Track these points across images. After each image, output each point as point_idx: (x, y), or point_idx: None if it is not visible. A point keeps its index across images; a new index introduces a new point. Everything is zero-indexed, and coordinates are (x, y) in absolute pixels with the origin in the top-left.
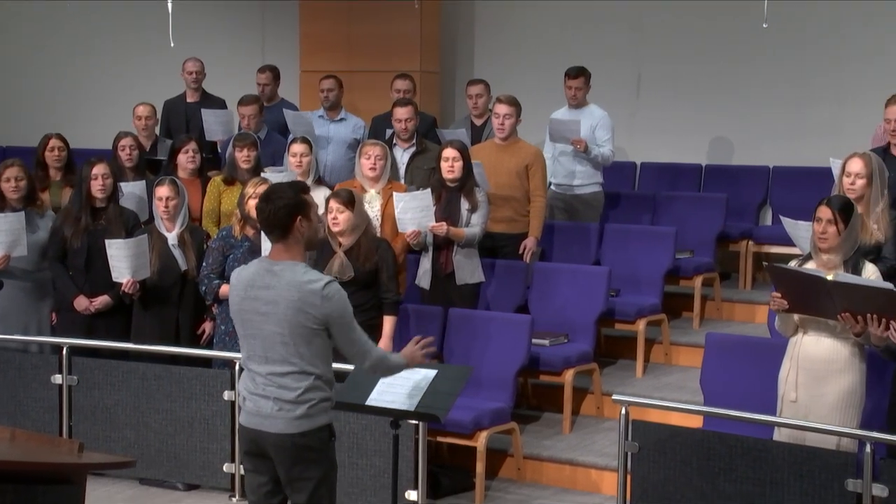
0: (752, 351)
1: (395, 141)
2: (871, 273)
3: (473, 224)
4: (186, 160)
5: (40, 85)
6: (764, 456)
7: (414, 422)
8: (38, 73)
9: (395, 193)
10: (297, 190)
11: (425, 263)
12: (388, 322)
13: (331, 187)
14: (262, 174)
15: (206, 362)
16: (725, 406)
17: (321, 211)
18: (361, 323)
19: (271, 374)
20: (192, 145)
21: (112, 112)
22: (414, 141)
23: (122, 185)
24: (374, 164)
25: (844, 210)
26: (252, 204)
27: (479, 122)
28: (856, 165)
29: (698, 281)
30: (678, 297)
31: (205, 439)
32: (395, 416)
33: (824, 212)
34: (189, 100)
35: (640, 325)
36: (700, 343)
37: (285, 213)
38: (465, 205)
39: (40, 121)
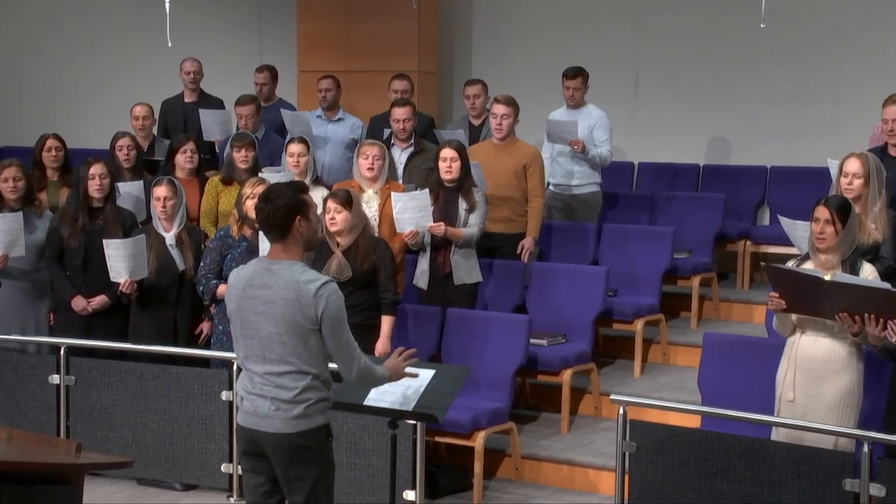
0: (750, 351)
1: (393, 141)
2: (868, 273)
3: (471, 224)
4: (184, 160)
5: (38, 85)
6: (762, 456)
7: (412, 422)
8: (36, 73)
9: (393, 193)
10: (296, 190)
11: (423, 263)
12: (387, 322)
13: (329, 187)
14: (260, 174)
15: (204, 362)
16: (723, 406)
17: (319, 211)
18: (360, 323)
19: (269, 374)
20: (190, 145)
21: (110, 112)
22: (412, 141)
23: (119, 185)
24: (372, 164)
25: (842, 210)
26: (250, 204)
27: (476, 123)
28: (853, 165)
29: (696, 281)
30: (676, 297)
31: (202, 439)
32: (393, 416)
33: (822, 212)
34: (187, 100)
35: (638, 325)
36: (698, 343)
37: (284, 213)
38: (462, 205)
39: (38, 121)
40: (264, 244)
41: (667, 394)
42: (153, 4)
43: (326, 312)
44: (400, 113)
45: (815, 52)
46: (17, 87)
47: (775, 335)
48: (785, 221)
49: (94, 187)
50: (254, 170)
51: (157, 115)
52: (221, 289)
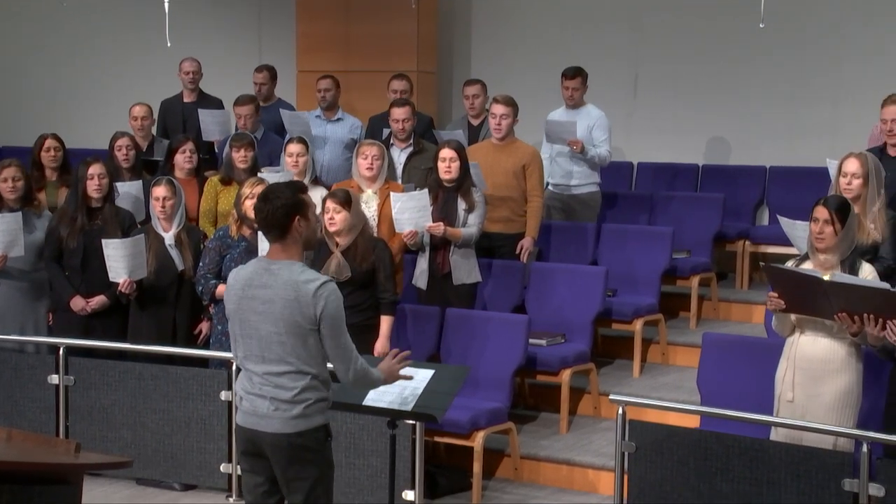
0: (749, 351)
1: (392, 141)
2: (867, 273)
3: (470, 224)
4: (183, 160)
5: (37, 85)
6: (761, 456)
7: (411, 422)
8: (35, 73)
9: (392, 194)
10: (295, 190)
11: (422, 263)
12: (386, 322)
13: (328, 187)
14: (259, 174)
15: (203, 362)
16: (722, 406)
17: (318, 211)
18: (359, 323)
19: (268, 374)
20: (189, 145)
21: (109, 112)
22: (411, 141)
23: (118, 185)
24: (371, 164)
25: (841, 210)
26: (249, 204)
27: (475, 123)
28: (852, 165)
29: (695, 281)
30: (675, 297)
31: (201, 439)
32: (393, 416)
33: (821, 212)
34: (186, 100)
35: (637, 325)
36: (697, 343)
37: (283, 212)
38: (461, 205)
39: (37, 121)
40: (263, 244)
41: (666, 394)
42: (152, 4)
43: (325, 312)
44: (399, 113)
45: (813, 52)
46: (17, 87)
47: (774, 335)
48: (784, 221)
49: (93, 187)
50: (253, 170)
51: (156, 116)
52: (220, 289)
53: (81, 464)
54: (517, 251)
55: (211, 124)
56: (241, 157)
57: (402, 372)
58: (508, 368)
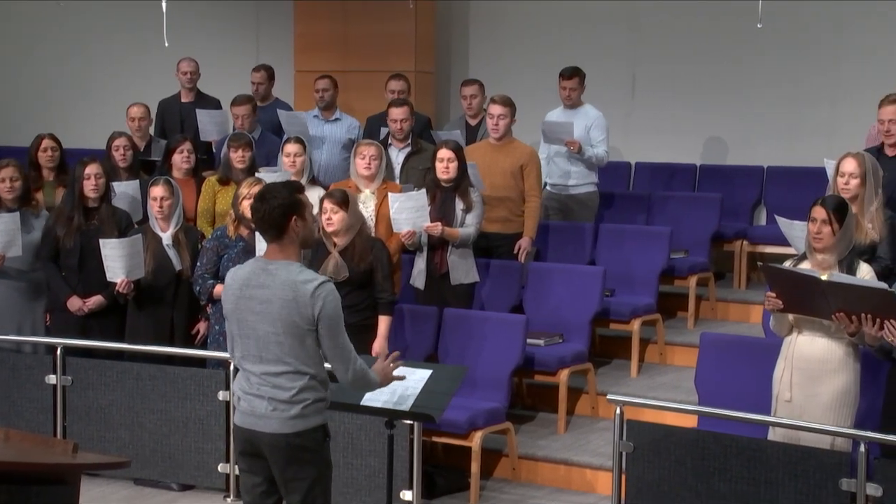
0: (747, 351)
1: (390, 141)
2: (865, 273)
3: (468, 224)
4: (181, 160)
5: (35, 85)
6: (758, 455)
7: (409, 422)
8: (32, 72)
9: (390, 194)
10: (292, 190)
11: (420, 263)
12: (384, 322)
13: (325, 187)
14: (257, 174)
15: (201, 362)
16: (720, 406)
17: (315, 211)
18: (357, 323)
19: (266, 374)
20: (187, 145)
21: (107, 112)
22: (409, 141)
23: (115, 184)
24: (369, 164)
25: (839, 210)
26: (246, 204)
27: (473, 123)
28: (849, 165)
29: (693, 281)
30: (673, 297)
31: (199, 439)
32: (390, 416)
33: (819, 212)
34: (184, 100)
35: (635, 325)
36: (695, 343)
37: (280, 212)
38: (459, 205)
39: (35, 121)
40: (261, 244)
41: (663, 394)
42: (150, 4)
43: (323, 313)
44: (397, 113)
45: (811, 52)
46: (14, 87)
47: (772, 335)
48: (782, 221)
49: (90, 187)
50: (251, 170)
51: (153, 116)
52: (218, 289)
53: (79, 464)
54: (515, 251)
55: (209, 124)
56: (238, 158)
57: (395, 373)
58: (506, 368)
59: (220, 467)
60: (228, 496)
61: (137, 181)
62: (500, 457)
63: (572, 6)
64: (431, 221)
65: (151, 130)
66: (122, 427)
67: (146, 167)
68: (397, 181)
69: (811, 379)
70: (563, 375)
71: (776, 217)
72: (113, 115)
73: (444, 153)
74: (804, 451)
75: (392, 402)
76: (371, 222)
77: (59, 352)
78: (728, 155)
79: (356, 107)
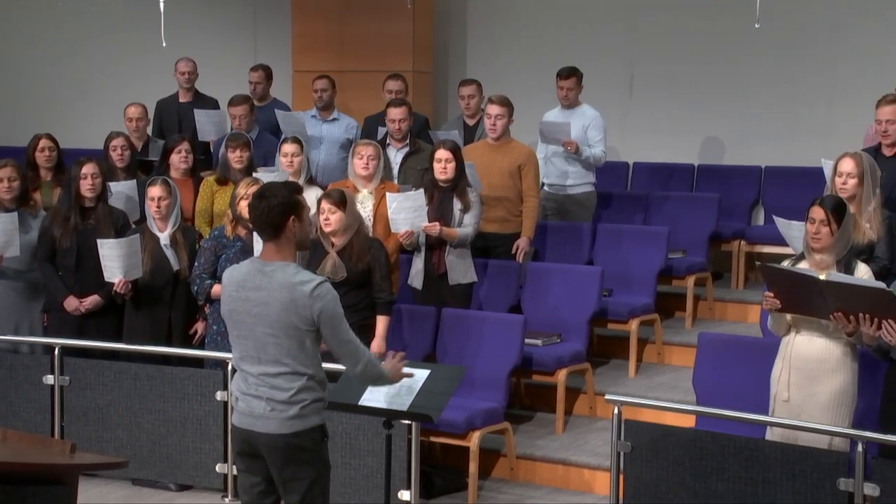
0: (745, 350)
1: (388, 141)
2: (863, 273)
3: (466, 224)
4: (179, 160)
5: (32, 85)
6: (756, 455)
7: (407, 422)
8: (30, 72)
9: (388, 194)
10: (291, 190)
11: (418, 263)
12: (382, 322)
13: (323, 188)
14: (254, 174)
15: (199, 362)
16: (718, 406)
17: (313, 211)
18: (355, 323)
19: (263, 375)
20: (185, 145)
21: (105, 112)
22: (407, 141)
23: (111, 184)
24: (367, 164)
25: (837, 210)
26: (244, 205)
27: (471, 123)
28: (847, 165)
29: (691, 281)
30: (671, 297)
31: (197, 439)
32: (388, 417)
33: (817, 212)
34: (181, 100)
35: (633, 325)
36: (693, 343)
37: (279, 211)
38: (457, 205)
39: (32, 121)
40: (259, 244)
41: (661, 394)
42: (148, 4)
43: (324, 314)
44: (396, 113)
45: (809, 52)
46: (12, 87)
47: (770, 335)
48: (780, 221)
49: (86, 187)
50: (249, 170)
51: (150, 116)
52: (216, 289)
53: (77, 464)
54: (513, 251)
55: (206, 124)
56: (236, 158)
57: (404, 370)
58: (504, 368)
59: (218, 467)
60: (226, 496)
61: (134, 181)
62: (498, 457)
63: (570, 6)
64: (429, 221)
65: (149, 130)
66: (120, 427)
67: (144, 167)
68: (396, 181)
69: (809, 379)
70: (561, 375)
71: (774, 217)
72: (111, 115)
73: (441, 153)
74: (802, 450)
75: (390, 403)
76: (369, 222)
77: (56, 352)
78: (726, 155)
79: (354, 107)
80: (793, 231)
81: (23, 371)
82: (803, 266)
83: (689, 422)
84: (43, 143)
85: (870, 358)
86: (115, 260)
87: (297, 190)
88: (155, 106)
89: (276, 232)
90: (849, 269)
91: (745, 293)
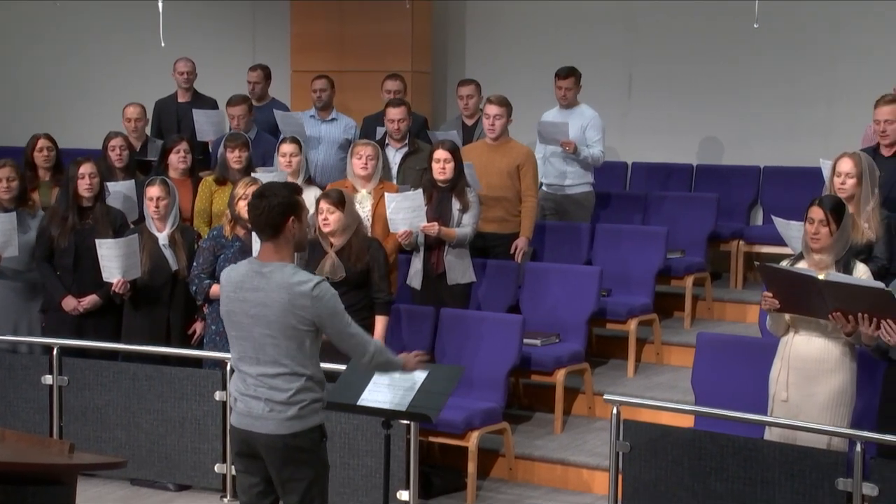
0: (744, 350)
1: (387, 141)
2: (862, 273)
3: (465, 224)
4: (178, 160)
5: (31, 85)
6: (755, 455)
7: (405, 422)
8: (29, 73)
9: (386, 194)
10: (291, 191)
11: (416, 263)
12: (380, 322)
13: (322, 188)
14: (253, 174)
15: (197, 362)
16: (717, 406)
17: (311, 212)
18: None
19: (262, 376)
20: (184, 145)
21: (103, 112)
22: (406, 141)
23: (109, 184)
24: (366, 163)
25: (836, 210)
26: (242, 205)
27: (470, 123)
28: (846, 165)
29: (689, 281)
30: (669, 297)
31: (196, 440)
32: (387, 417)
33: (816, 212)
34: (180, 100)
35: (632, 325)
36: (691, 343)
37: (279, 211)
38: (456, 205)
39: (31, 121)
40: (258, 244)
41: (660, 394)
42: (146, 4)
43: (325, 313)
44: (395, 113)
45: (808, 52)
46: (10, 87)
47: (769, 335)
48: (778, 221)
49: (84, 186)
50: (247, 170)
51: (149, 116)
52: (214, 289)
53: (75, 464)
54: (511, 251)
55: (205, 124)
56: (235, 158)
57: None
58: (503, 368)
59: (217, 467)
60: (225, 496)
61: (133, 181)
62: (496, 457)
63: (569, 6)
64: (428, 221)
65: (148, 130)
66: (119, 427)
67: (142, 167)
68: (394, 181)
69: (808, 379)
70: (560, 375)
71: (772, 217)
72: (110, 115)
73: (440, 154)
74: (801, 450)
75: (389, 403)
76: (368, 222)
77: (55, 352)
78: (724, 155)
79: (353, 107)
80: (791, 231)
81: (21, 371)
82: (802, 266)
83: (687, 422)
84: (41, 143)
85: (868, 358)
86: (113, 260)
87: (297, 191)
88: (153, 106)
89: (276, 232)
90: (847, 269)
91: (744, 293)
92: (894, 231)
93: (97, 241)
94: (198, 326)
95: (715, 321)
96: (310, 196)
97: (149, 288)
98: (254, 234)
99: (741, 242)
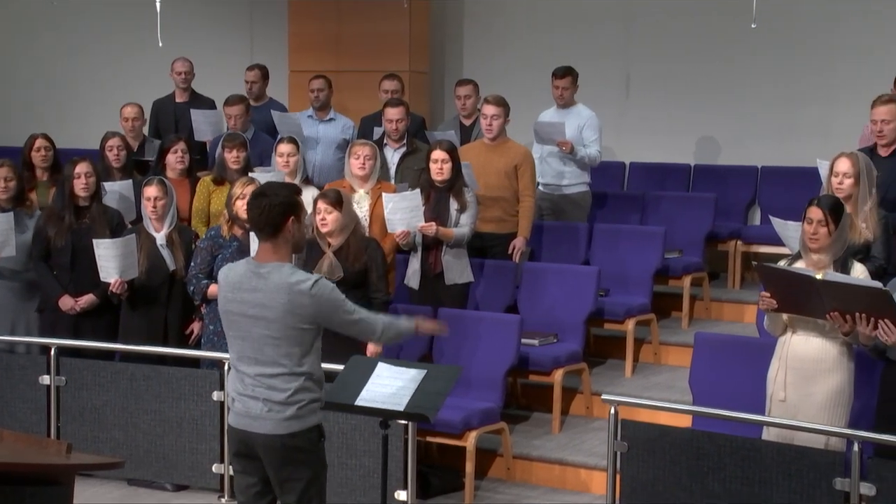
0: (741, 350)
1: (385, 141)
2: (859, 272)
3: (462, 224)
4: (175, 160)
5: (29, 85)
6: (753, 455)
7: (403, 422)
8: (26, 72)
9: (384, 194)
10: (292, 191)
11: (414, 263)
12: None
13: (320, 188)
14: (250, 174)
15: (195, 362)
16: (714, 405)
17: (308, 212)
18: None
19: (260, 376)
20: (181, 145)
21: (102, 112)
22: (405, 141)
23: (105, 184)
24: (364, 163)
25: (835, 210)
26: (240, 204)
27: (467, 123)
28: (843, 165)
29: (687, 280)
30: (667, 297)
31: (193, 440)
32: (385, 416)
33: (815, 212)
34: (178, 100)
35: (630, 325)
36: (689, 343)
37: (280, 211)
38: (454, 205)
39: (29, 121)
40: (255, 244)
41: (658, 393)
42: (144, 4)
43: (326, 308)
44: (393, 113)
45: (806, 52)
46: (8, 87)
47: (766, 335)
48: (776, 221)
49: (80, 186)
50: (245, 170)
51: (147, 116)
52: (212, 289)
53: (73, 464)
54: (509, 251)
55: (203, 124)
56: (233, 158)
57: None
58: (501, 368)
59: (215, 468)
60: (223, 496)
61: (130, 181)
62: (494, 457)
63: (567, 6)
64: (426, 221)
65: (145, 130)
66: (116, 427)
67: (140, 167)
68: (393, 181)
69: (805, 378)
70: (558, 375)
71: (770, 217)
72: (107, 115)
73: (437, 154)
74: (798, 450)
75: (387, 403)
76: (365, 222)
77: (52, 352)
78: (722, 155)
79: (350, 107)
80: (789, 231)
81: (19, 371)
82: (800, 266)
83: (685, 421)
84: (39, 142)
85: (866, 358)
86: (111, 260)
87: (298, 191)
88: (151, 106)
89: (275, 231)
90: (845, 269)
91: (742, 293)
92: (892, 231)
93: (94, 242)
94: (195, 326)
95: (713, 321)
96: (307, 196)
97: (146, 288)
98: (251, 233)
99: (739, 242)
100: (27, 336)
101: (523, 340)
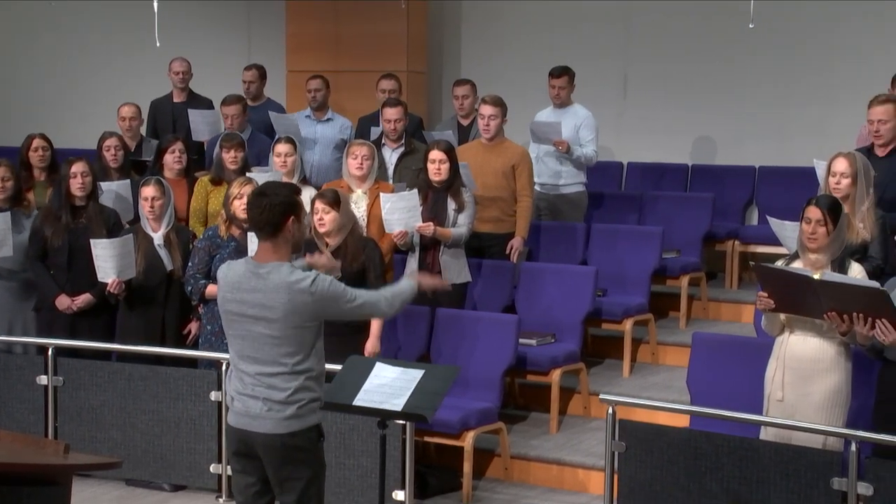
0: (739, 350)
1: (383, 141)
2: (857, 272)
3: (460, 224)
4: (173, 160)
5: (26, 85)
6: (750, 455)
7: (401, 422)
8: (24, 72)
9: (381, 194)
10: (292, 191)
11: (412, 263)
12: (376, 322)
13: (317, 188)
14: (248, 174)
15: (193, 362)
16: (712, 405)
17: (306, 212)
18: (349, 323)
19: (260, 375)
20: (179, 145)
21: (99, 112)
22: (402, 141)
23: (102, 183)
24: (361, 163)
25: (833, 210)
26: (237, 204)
27: (465, 123)
28: (841, 165)
29: (685, 280)
30: (665, 297)
31: (191, 440)
32: (383, 417)
33: (813, 212)
34: (176, 100)
35: (627, 325)
36: (687, 343)
37: (280, 210)
38: (451, 205)
39: (26, 121)
40: (253, 244)
41: (656, 393)
42: (141, 4)
43: (328, 303)
44: (392, 113)
45: (803, 52)
46: (6, 87)
47: (764, 335)
48: (773, 222)
49: (76, 186)
50: (243, 170)
51: (144, 116)
52: (210, 289)
53: (70, 465)
54: (507, 251)
55: (201, 124)
56: (231, 158)
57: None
58: (498, 368)
59: (213, 468)
60: (220, 496)
61: (127, 181)
62: (492, 457)
63: (564, 6)
64: (423, 221)
65: (143, 130)
66: (114, 427)
67: (137, 167)
68: (390, 181)
69: (803, 378)
70: (556, 375)
71: (768, 217)
72: (105, 115)
73: (435, 154)
74: (796, 450)
75: (385, 403)
76: (363, 222)
77: (50, 352)
78: (720, 155)
79: (348, 107)
80: (786, 231)
81: (16, 371)
82: (797, 266)
83: (683, 421)
84: (36, 142)
85: (864, 357)
86: (108, 260)
87: (298, 191)
88: (149, 106)
89: (275, 231)
90: (842, 269)
91: (739, 293)
92: (889, 231)
93: (92, 242)
94: (193, 326)
95: (710, 321)
96: (305, 196)
97: (144, 288)
98: (249, 233)
99: (736, 242)
100: (24, 336)
101: (521, 340)
